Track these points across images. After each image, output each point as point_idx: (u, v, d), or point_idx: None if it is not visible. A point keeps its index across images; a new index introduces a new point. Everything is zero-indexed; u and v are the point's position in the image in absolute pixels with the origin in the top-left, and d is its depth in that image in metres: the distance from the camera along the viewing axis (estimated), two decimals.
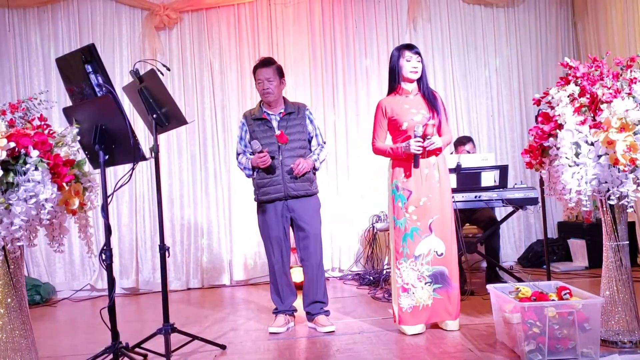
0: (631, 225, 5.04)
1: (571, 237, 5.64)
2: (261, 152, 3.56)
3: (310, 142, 3.78)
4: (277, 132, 3.62)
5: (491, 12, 6.22)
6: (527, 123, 6.14)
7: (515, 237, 6.10)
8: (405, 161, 3.44)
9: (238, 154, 3.80)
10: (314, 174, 3.74)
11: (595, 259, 5.23)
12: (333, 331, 3.55)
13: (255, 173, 3.69)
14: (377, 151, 3.61)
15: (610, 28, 5.52)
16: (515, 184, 4.89)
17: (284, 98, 3.79)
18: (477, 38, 6.18)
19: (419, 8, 5.99)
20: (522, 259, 5.85)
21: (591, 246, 5.28)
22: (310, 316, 3.69)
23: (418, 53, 3.50)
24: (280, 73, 3.72)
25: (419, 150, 3.33)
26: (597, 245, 5.15)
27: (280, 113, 3.70)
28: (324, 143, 3.83)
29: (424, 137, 3.33)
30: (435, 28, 6.12)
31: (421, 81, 3.51)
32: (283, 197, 3.61)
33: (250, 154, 3.69)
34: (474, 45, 6.17)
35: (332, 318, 3.72)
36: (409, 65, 3.46)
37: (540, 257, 5.59)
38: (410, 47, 3.52)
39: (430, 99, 3.49)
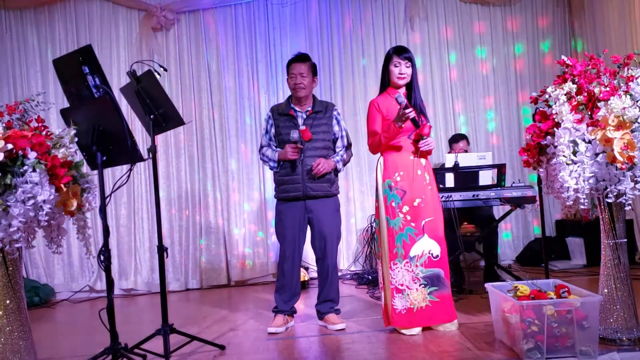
0: (629, 223, 5.04)
1: (569, 235, 5.65)
2: (295, 143, 3.56)
3: (335, 143, 3.77)
4: (302, 127, 3.61)
5: (488, 11, 6.21)
6: (524, 122, 6.14)
7: (513, 236, 6.10)
8: (395, 150, 3.46)
9: (262, 147, 3.80)
10: (336, 175, 3.73)
11: (593, 257, 5.24)
12: (343, 329, 3.57)
13: (278, 167, 3.70)
14: (372, 144, 3.55)
15: (607, 26, 5.52)
16: (513, 182, 4.90)
17: (313, 96, 3.79)
18: (473, 37, 6.18)
19: (415, 7, 5.99)
20: (520, 258, 5.85)
21: (589, 244, 5.29)
22: (321, 314, 3.71)
23: (408, 58, 3.46)
24: (314, 71, 3.73)
25: (411, 113, 3.30)
26: (595, 244, 5.16)
27: (307, 111, 3.70)
28: (350, 144, 3.82)
29: (420, 138, 3.40)
30: (432, 27, 6.12)
31: (412, 89, 3.49)
32: (302, 196, 3.61)
33: (275, 147, 3.70)
34: (470, 44, 6.17)
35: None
36: (397, 71, 3.47)
37: (539, 255, 5.59)
38: (400, 51, 3.49)
39: (421, 108, 3.51)
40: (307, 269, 5.41)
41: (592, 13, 5.81)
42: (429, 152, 3.49)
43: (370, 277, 5.24)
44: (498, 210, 5.35)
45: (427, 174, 3.47)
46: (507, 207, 4.79)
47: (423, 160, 3.48)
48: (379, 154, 3.57)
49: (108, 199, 2.84)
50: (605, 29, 5.56)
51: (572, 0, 6.14)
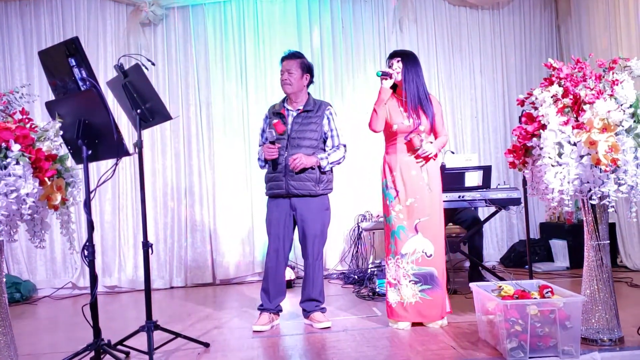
0: (611, 227, 5.11)
1: (553, 237, 5.70)
2: (273, 143, 3.56)
3: (325, 142, 3.73)
4: (275, 121, 3.61)
5: (476, 14, 6.25)
6: (511, 124, 6.19)
7: (497, 237, 6.14)
8: (394, 151, 3.55)
9: (259, 145, 3.82)
10: (323, 173, 3.65)
11: (576, 260, 5.30)
12: (329, 327, 3.57)
13: (266, 166, 3.70)
14: (370, 122, 3.58)
15: (593, 31, 5.59)
16: (499, 184, 4.93)
17: (308, 95, 3.77)
18: (462, 39, 6.21)
19: (405, 9, 6.00)
20: (505, 259, 5.89)
21: (572, 247, 5.34)
22: (306, 313, 3.70)
23: (397, 58, 3.55)
24: (304, 68, 3.70)
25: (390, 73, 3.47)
26: (579, 246, 5.25)
27: (298, 110, 3.69)
28: (344, 145, 3.73)
29: (414, 149, 3.47)
30: (421, 29, 6.15)
31: (404, 84, 3.53)
32: (285, 194, 3.61)
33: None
34: (459, 46, 6.20)
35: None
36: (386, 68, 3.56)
37: (523, 257, 5.63)
38: (391, 55, 3.62)
39: (421, 103, 3.54)
40: (292, 268, 5.40)
41: (578, 18, 5.87)
42: (434, 156, 3.54)
43: (356, 276, 5.24)
44: (482, 212, 5.38)
45: (425, 174, 3.51)
46: (493, 209, 4.82)
47: (423, 162, 3.52)
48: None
49: (93, 193, 2.81)
50: (591, 33, 5.62)
51: (559, 4, 6.21)
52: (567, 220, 5.50)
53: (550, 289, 2.85)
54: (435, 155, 3.55)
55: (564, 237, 5.46)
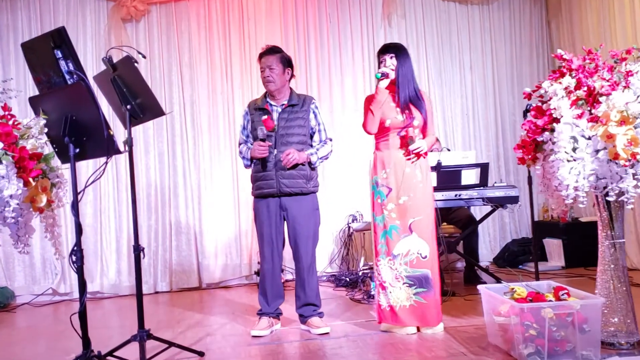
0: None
1: (547, 236, 5.62)
2: (263, 140, 3.40)
3: (312, 137, 3.60)
4: (264, 117, 3.45)
5: (466, 10, 6.18)
6: (502, 121, 6.15)
7: (490, 237, 6.06)
8: (385, 147, 3.40)
9: (240, 143, 3.67)
10: (313, 169, 3.55)
11: (571, 259, 5.24)
12: (328, 333, 3.41)
13: (252, 165, 3.54)
14: (365, 122, 3.43)
15: (585, 26, 5.54)
16: (495, 182, 4.83)
17: (291, 89, 3.62)
18: (451, 35, 6.13)
19: (393, 4, 5.90)
20: (498, 259, 5.80)
21: (567, 246, 5.28)
22: (303, 318, 3.54)
23: (390, 54, 3.41)
24: (285, 62, 3.55)
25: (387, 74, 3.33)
26: (573, 245, 5.21)
27: (282, 105, 3.54)
28: (330, 140, 3.64)
29: (407, 141, 3.32)
30: (410, 25, 6.04)
31: (398, 80, 3.40)
32: (276, 193, 3.45)
33: (252, 144, 3.53)
34: (448, 42, 6.12)
35: None
36: (382, 67, 3.42)
37: (517, 256, 5.57)
38: (382, 50, 3.48)
39: (412, 100, 3.40)
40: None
41: (569, 14, 5.82)
42: (425, 154, 3.39)
43: (348, 279, 5.09)
44: (475, 211, 5.28)
45: (419, 172, 3.37)
46: (488, 208, 4.73)
47: (415, 158, 3.37)
48: (372, 152, 3.52)
49: (81, 194, 2.62)
50: (583, 28, 5.58)
51: (549, 0, 6.15)
52: (562, 218, 5.43)
53: (566, 291, 2.72)
54: (426, 154, 3.41)
55: (559, 236, 5.39)
